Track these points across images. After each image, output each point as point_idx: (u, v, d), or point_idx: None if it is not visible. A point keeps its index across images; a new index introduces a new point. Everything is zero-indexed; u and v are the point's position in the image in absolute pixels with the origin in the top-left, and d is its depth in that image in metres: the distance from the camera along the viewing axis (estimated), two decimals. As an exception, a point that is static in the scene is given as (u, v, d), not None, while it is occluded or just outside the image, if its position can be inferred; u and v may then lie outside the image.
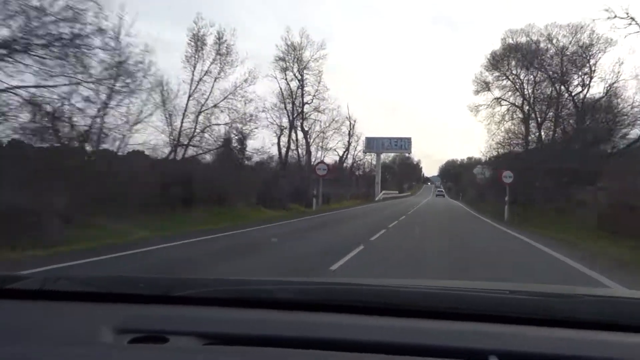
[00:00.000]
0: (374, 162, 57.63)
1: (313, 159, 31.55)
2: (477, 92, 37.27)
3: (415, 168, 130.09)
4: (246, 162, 24.84)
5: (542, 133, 32.72)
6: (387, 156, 78.07)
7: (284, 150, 28.86)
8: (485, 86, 36.85)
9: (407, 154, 56.20)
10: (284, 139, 29.13)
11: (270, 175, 24.77)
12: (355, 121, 48.92)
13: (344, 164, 47.44)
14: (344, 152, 47.29)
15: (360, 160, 52.57)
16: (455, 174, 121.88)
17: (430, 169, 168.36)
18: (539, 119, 31.60)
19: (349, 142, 47.54)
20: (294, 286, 1.59)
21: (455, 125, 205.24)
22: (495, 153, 36.06)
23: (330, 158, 44.64)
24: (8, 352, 1.03)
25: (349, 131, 47.78)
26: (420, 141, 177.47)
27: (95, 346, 1.12)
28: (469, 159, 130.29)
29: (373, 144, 54.31)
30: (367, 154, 57.06)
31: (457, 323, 1.24)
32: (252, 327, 1.22)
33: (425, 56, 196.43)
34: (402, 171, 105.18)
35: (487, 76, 35.91)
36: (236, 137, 25.20)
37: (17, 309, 1.37)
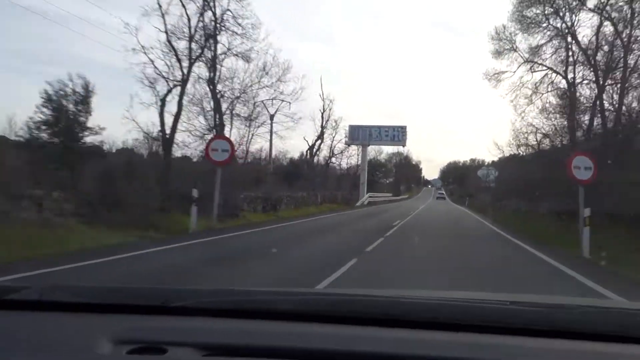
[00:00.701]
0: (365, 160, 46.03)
1: (235, 139, 19.75)
2: (497, 53, 25.78)
3: (415, 169, 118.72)
4: (83, 137, 13.47)
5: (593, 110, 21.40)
6: (379, 152, 66.69)
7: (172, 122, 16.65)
8: (511, 45, 25.55)
9: (401, 147, 44.27)
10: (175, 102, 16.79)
11: (121, 162, 13.25)
12: (332, 101, 37.62)
13: (315, 157, 36.10)
14: (315, 140, 35.97)
15: (339, 153, 41.15)
16: (458, 176, 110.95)
17: (431, 173, 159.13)
18: (601, 81, 20.09)
19: (322, 128, 36.25)
20: (294, 297, 1.59)
21: (457, 129, 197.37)
22: (524, 139, 24.54)
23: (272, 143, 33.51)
24: None
25: (322, 113, 36.52)
26: (421, 145, 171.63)
27: (93, 357, 1.13)
28: (472, 160, 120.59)
29: (358, 134, 42.93)
30: (354, 148, 45.87)
31: (458, 334, 1.23)
32: (252, 338, 1.21)
33: (425, 60, 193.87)
34: (399, 172, 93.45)
35: (514, 31, 24.59)
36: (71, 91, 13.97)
37: (16, 320, 1.37)
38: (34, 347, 1.16)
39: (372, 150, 66.66)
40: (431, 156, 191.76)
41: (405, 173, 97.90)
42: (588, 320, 1.32)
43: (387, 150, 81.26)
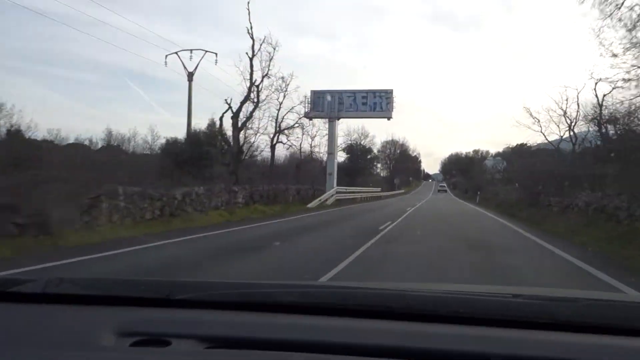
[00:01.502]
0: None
1: None
2: None
3: (413, 161, 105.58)
4: None
5: None
6: (363, 135, 53.48)
7: None
8: None
9: (386, 119, 30.27)
10: None
11: None
12: (274, 46, 24.62)
13: (243, 131, 22.92)
14: (242, 103, 22.67)
15: (289, 127, 27.98)
16: (461, 169, 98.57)
17: (431, 167, 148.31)
18: None
19: (250, 82, 22.99)
20: (297, 289, 1.58)
21: (458, 121, 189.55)
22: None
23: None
24: (10, 356, 1.04)
25: (251, 59, 23.31)
26: (421, 139, 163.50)
27: (97, 349, 1.12)
28: (476, 152, 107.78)
29: (323, 103, 29.85)
30: (321, 124, 32.83)
31: (460, 327, 1.21)
32: (254, 331, 1.21)
33: (423, 54, 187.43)
34: (394, 162, 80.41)
35: None
36: None
37: (20, 312, 1.36)
38: (38, 340, 1.17)
39: (355, 132, 53.35)
40: (431, 150, 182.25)
41: (401, 165, 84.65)
42: (592, 313, 1.29)
43: (380, 136, 68.15)
